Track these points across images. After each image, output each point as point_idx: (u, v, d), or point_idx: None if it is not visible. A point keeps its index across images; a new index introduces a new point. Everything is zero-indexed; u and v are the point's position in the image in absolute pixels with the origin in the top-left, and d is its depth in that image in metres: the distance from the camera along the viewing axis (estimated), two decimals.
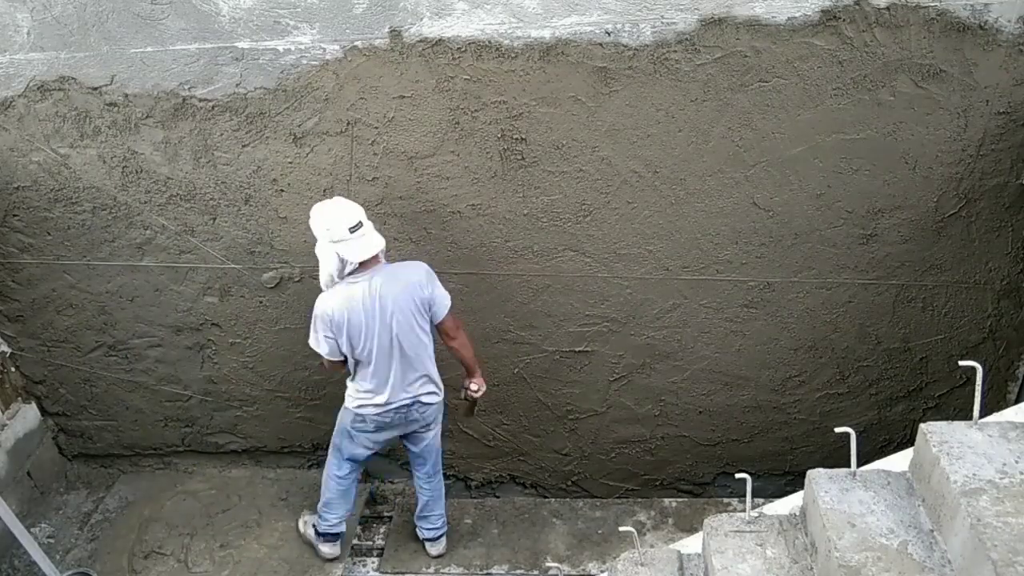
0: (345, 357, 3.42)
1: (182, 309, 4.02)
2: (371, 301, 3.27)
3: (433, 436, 3.74)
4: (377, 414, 3.51)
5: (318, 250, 3.31)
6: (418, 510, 3.99)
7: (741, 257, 3.53)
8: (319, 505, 3.88)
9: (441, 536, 4.04)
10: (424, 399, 3.54)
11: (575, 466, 4.33)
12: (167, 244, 3.84)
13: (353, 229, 3.19)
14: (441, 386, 3.62)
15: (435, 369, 3.55)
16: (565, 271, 3.68)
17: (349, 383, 3.55)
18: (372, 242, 3.26)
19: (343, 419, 3.66)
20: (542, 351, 3.94)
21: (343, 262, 3.24)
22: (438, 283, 3.42)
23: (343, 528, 3.92)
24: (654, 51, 3.08)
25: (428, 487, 3.90)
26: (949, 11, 2.89)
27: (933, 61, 2.98)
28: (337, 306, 3.28)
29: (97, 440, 4.61)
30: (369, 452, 3.73)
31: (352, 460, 3.74)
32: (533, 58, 3.14)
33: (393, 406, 3.49)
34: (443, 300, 3.42)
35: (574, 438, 4.22)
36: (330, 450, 3.77)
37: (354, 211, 3.24)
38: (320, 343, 3.39)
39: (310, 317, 3.38)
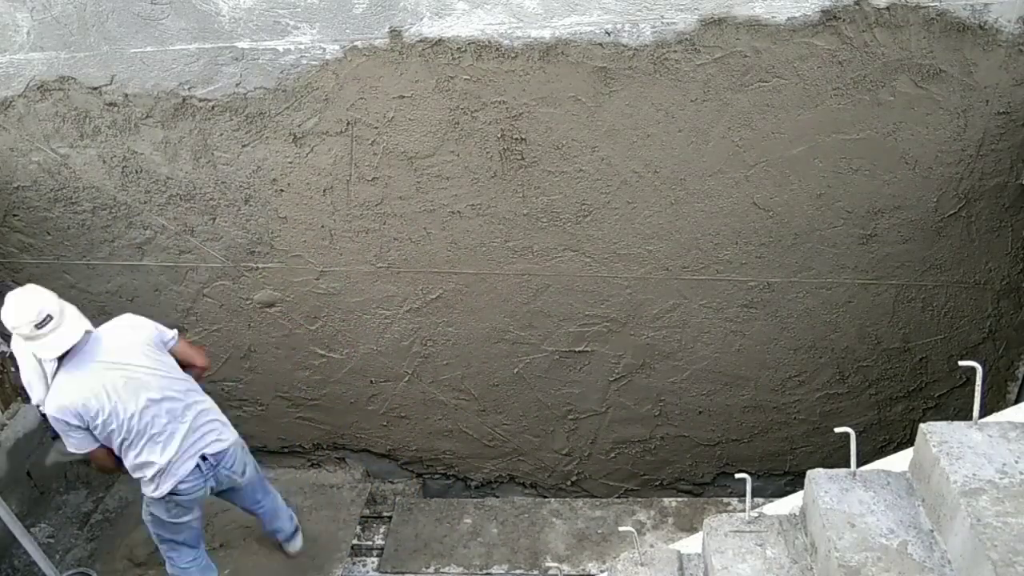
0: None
1: (182, 309, 4.02)
2: (112, 372, 2.99)
3: (249, 478, 3.47)
4: (184, 485, 3.18)
5: (13, 346, 3.02)
6: (264, 527, 3.84)
7: (741, 257, 3.53)
8: None
9: (296, 532, 3.91)
10: (218, 446, 3.24)
11: (575, 466, 4.33)
12: (167, 244, 3.84)
13: (40, 324, 2.84)
14: (227, 423, 3.34)
15: (215, 408, 3.29)
16: (565, 271, 3.68)
17: (134, 474, 3.19)
18: (70, 330, 2.91)
19: (156, 515, 3.31)
20: (542, 351, 3.94)
21: (39, 360, 2.95)
22: (148, 321, 3.24)
23: None
24: (654, 51, 3.08)
25: (264, 510, 3.72)
26: (949, 11, 2.89)
27: (933, 61, 2.98)
28: (79, 399, 2.95)
29: None
30: (197, 525, 3.45)
31: (188, 544, 3.48)
32: (533, 58, 3.14)
33: (193, 463, 3.16)
34: (165, 330, 3.24)
35: (574, 438, 4.23)
36: (164, 551, 3.48)
37: (33, 302, 2.86)
38: (82, 442, 3.04)
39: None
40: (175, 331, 3.35)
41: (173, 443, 3.14)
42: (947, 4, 2.88)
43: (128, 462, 3.17)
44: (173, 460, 3.16)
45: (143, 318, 3.28)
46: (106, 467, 3.24)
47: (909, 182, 3.26)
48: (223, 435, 3.30)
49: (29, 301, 2.89)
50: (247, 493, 3.58)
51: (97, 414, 3.00)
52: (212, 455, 3.25)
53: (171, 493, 3.22)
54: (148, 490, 3.24)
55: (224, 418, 3.37)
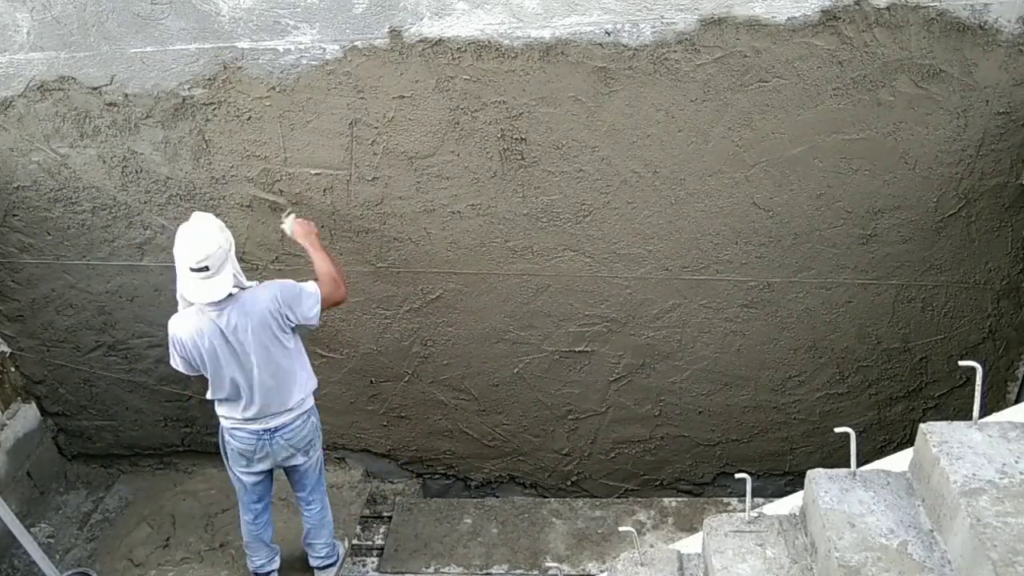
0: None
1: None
2: (222, 339, 3.11)
3: (308, 462, 3.53)
4: (242, 438, 3.35)
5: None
6: (303, 536, 3.85)
7: (741, 257, 3.53)
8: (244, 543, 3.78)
9: (328, 567, 3.89)
10: (291, 426, 3.36)
11: (575, 466, 4.33)
12: (167, 244, 3.84)
13: (196, 269, 2.95)
14: (310, 407, 3.43)
15: (301, 392, 3.35)
16: (565, 271, 3.68)
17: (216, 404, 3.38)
18: (216, 287, 2.99)
19: (224, 444, 3.47)
20: (542, 351, 3.94)
21: (183, 296, 3.10)
22: (295, 290, 3.19)
23: (273, 567, 3.81)
24: (654, 51, 3.08)
25: (308, 514, 3.74)
26: (949, 11, 2.89)
27: (933, 61, 2.98)
28: (187, 336, 3.14)
29: (97, 440, 4.61)
30: (256, 485, 3.53)
31: (250, 503, 3.58)
32: (533, 58, 3.14)
33: (256, 429, 3.32)
34: (307, 301, 3.20)
35: (574, 438, 4.23)
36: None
37: (203, 247, 2.94)
38: (178, 364, 3.28)
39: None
40: (314, 301, 3.23)
41: (252, 409, 3.28)
42: (947, 4, 2.88)
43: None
44: (245, 411, 3.30)
45: (280, 293, 3.17)
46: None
47: (909, 182, 3.26)
48: (299, 415, 3.39)
49: (197, 245, 2.96)
50: (305, 478, 3.60)
51: (193, 357, 3.20)
52: (278, 425, 3.35)
53: (230, 433, 3.37)
54: (222, 421, 3.40)
55: (305, 411, 3.42)
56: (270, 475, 3.59)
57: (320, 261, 3.32)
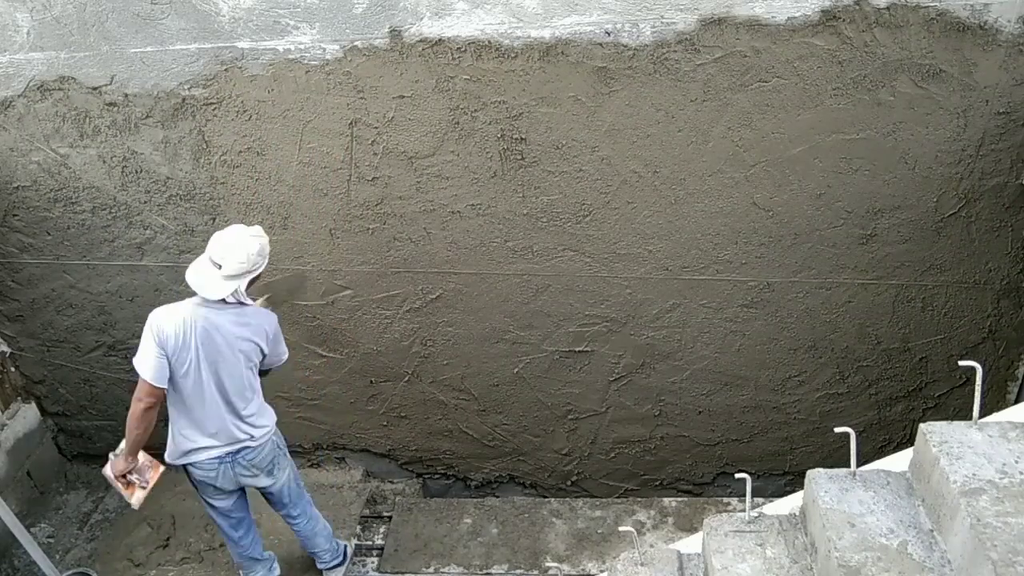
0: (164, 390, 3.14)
1: None
2: (209, 335, 3.08)
3: (276, 483, 3.45)
4: (203, 464, 3.26)
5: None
6: (301, 543, 3.82)
7: (741, 257, 3.53)
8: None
9: (336, 567, 3.87)
10: (254, 448, 3.30)
11: (575, 466, 4.33)
12: (167, 244, 3.84)
13: (215, 262, 3.03)
14: (272, 430, 3.37)
15: (264, 419, 3.33)
16: (565, 271, 3.68)
17: (171, 428, 3.27)
18: (217, 286, 3.04)
19: (191, 479, 3.40)
20: (542, 351, 3.94)
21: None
22: (282, 340, 3.36)
23: (274, 575, 3.77)
24: (654, 51, 3.08)
25: (297, 528, 3.68)
26: (949, 11, 2.89)
27: (933, 61, 2.98)
28: (174, 324, 3.05)
29: (97, 440, 4.61)
30: (232, 510, 3.47)
31: (229, 528, 3.52)
32: (533, 58, 3.14)
33: (218, 455, 3.24)
34: (283, 355, 3.39)
35: (574, 438, 4.23)
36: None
37: (233, 249, 3.02)
38: (148, 360, 3.06)
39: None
40: (285, 358, 3.44)
41: (213, 423, 3.21)
42: (947, 4, 2.88)
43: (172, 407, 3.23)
44: (206, 429, 3.22)
45: (276, 331, 3.30)
46: (136, 411, 3.17)
47: (909, 182, 3.26)
48: (260, 425, 3.33)
49: (230, 246, 3.02)
50: (274, 499, 3.55)
51: (167, 342, 3.06)
52: (240, 442, 3.28)
53: (195, 465, 3.27)
54: (172, 456, 3.29)
55: (265, 418, 3.36)
56: (243, 494, 3.51)
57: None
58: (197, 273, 3.06)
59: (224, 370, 3.15)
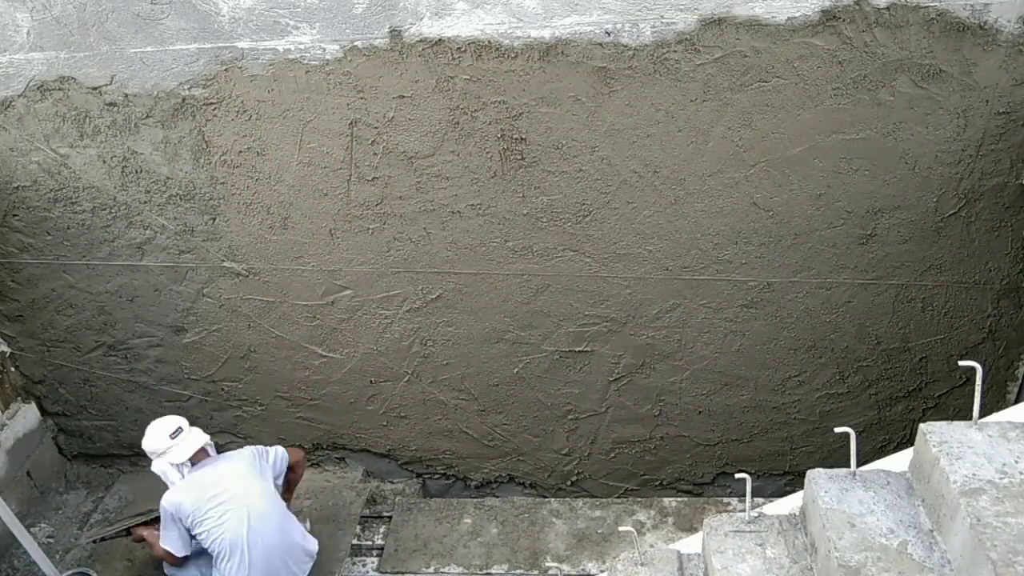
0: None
1: (182, 309, 4.02)
2: (221, 485, 3.38)
3: None
4: None
5: (154, 468, 3.50)
6: None
7: (741, 257, 3.53)
8: None
9: None
10: None
11: (575, 466, 4.33)
12: (167, 244, 3.84)
13: (173, 435, 3.45)
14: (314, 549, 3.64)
15: (308, 557, 3.58)
16: (565, 271, 3.68)
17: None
18: (194, 439, 3.48)
19: None
20: (542, 351, 3.94)
21: (175, 466, 3.44)
22: (268, 449, 3.63)
23: None
24: (654, 51, 3.08)
25: None
26: (949, 11, 2.89)
27: (933, 61, 2.98)
28: (194, 497, 3.34)
29: (97, 440, 4.61)
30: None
31: None
32: (533, 58, 3.14)
33: None
34: (283, 453, 3.65)
35: (574, 438, 4.23)
36: None
37: (171, 420, 3.51)
38: (172, 540, 3.40)
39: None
40: (284, 452, 3.70)
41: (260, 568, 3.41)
42: (947, 4, 2.88)
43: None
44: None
45: (257, 452, 3.60)
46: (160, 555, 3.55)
47: (909, 182, 3.26)
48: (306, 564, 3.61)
49: (164, 422, 3.51)
50: None
51: (189, 516, 3.35)
52: None
53: None
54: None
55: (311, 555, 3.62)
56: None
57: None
58: (182, 450, 3.45)
59: (261, 514, 3.42)
